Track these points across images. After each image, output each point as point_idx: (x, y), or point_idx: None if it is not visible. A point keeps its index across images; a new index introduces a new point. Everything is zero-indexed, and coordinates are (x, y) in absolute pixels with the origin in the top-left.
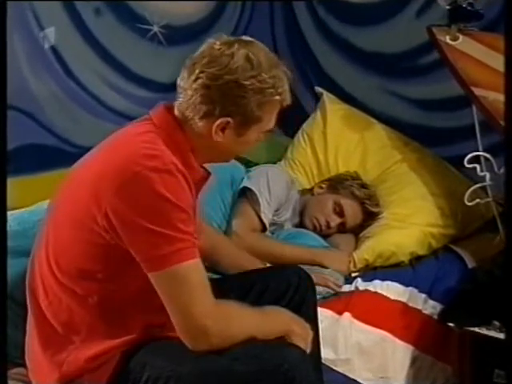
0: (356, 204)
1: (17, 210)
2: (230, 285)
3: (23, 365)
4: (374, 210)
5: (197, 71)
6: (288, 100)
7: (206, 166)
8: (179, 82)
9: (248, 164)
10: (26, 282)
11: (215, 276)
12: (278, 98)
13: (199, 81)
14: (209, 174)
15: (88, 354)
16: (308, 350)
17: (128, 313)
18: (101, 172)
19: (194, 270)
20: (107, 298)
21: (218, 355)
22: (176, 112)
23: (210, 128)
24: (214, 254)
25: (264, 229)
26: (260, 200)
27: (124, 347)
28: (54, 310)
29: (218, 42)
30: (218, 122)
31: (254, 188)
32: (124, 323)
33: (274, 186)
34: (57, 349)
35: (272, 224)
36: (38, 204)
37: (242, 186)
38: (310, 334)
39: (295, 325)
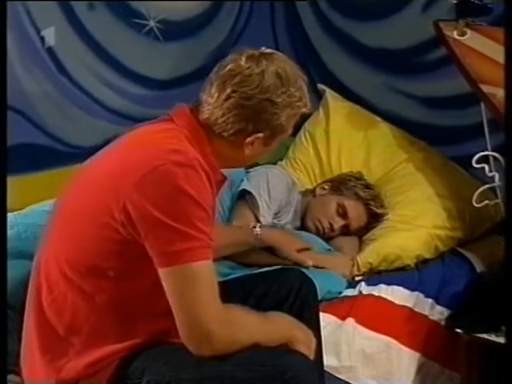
0: (360, 205)
1: (9, 213)
2: (231, 288)
3: (16, 372)
4: (379, 211)
5: (228, 90)
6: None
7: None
8: (205, 97)
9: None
10: (30, 280)
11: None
12: (304, 110)
13: (231, 100)
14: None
15: (87, 360)
16: (311, 358)
17: (133, 316)
18: (120, 167)
19: (205, 271)
20: (115, 298)
21: (220, 361)
22: (202, 120)
23: (238, 142)
24: None
25: None
26: (259, 203)
27: (124, 353)
28: (57, 308)
29: (243, 58)
30: (251, 138)
31: (253, 191)
32: (128, 327)
33: (274, 189)
34: (56, 353)
35: (272, 227)
36: (31, 207)
37: (241, 188)
38: (314, 341)
39: (299, 332)
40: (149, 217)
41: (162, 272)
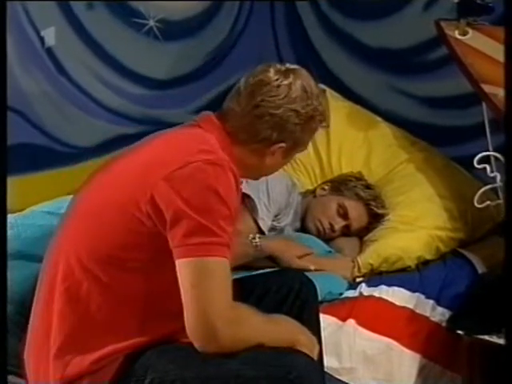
0: (361, 206)
1: (8, 215)
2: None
3: (16, 373)
4: (380, 211)
5: (258, 99)
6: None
7: None
8: (232, 105)
9: None
10: (39, 275)
11: None
12: (324, 124)
13: (260, 109)
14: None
15: (93, 357)
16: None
17: (145, 314)
18: (150, 162)
19: (220, 268)
20: (130, 292)
21: (225, 359)
22: (228, 127)
23: (261, 151)
24: None
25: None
26: (258, 206)
27: (129, 350)
28: (69, 296)
29: (272, 70)
30: (274, 147)
31: (252, 194)
32: (138, 324)
33: (274, 191)
34: (63, 347)
35: (272, 229)
36: (31, 208)
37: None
38: (317, 347)
39: (303, 336)
40: (175, 208)
41: (178, 263)
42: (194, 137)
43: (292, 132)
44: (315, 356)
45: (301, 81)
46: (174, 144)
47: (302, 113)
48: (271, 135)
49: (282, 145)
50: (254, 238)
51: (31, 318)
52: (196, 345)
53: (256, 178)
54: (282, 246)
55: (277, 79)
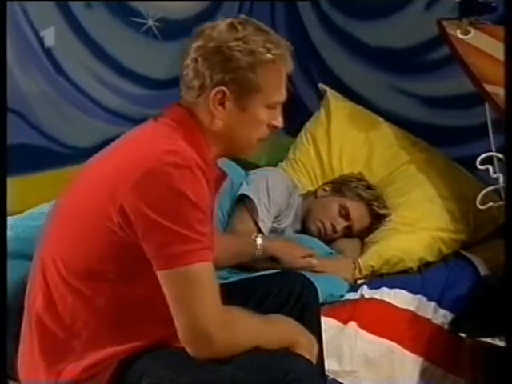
0: (362, 206)
1: (8, 217)
2: (231, 291)
3: (11, 377)
4: (382, 211)
5: (186, 53)
6: (290, 65)
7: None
8: (180, 75)
9: (247, 166)
10: (28, 283)
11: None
12: (270, 56)
13: (187, 58)
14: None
15: (86, 363)
16: (314, 362)
17: (134, 320)
18: (117, 169)
19: (204, 273)
20: (115, 302)
21: (220, 364)
22: (185, 105)
23: (209, 108)
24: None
25: None
26: (258, 208)
27: (123, 355)
28: (56, 311)
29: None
30: (213, 92)
31: (252, 195)
32: (129, 330)
33: (274, 192)
34: (56, 357)
35: (272, 231)
36: (30, 210)
37: (240, 192)
38: (316, 347)
39: (301, 336)
40: (146, 219)
41: (160, 275)
42: (159, 135)
43: (226, 71)
44: (314, 355)
45: (231, 19)
46: (140, 146)
47: (229, 46)
48: (204, 80)
49: (222, 88)
50: (257, 238)
51: (23, 325)
52: (190, 352)
53: (240, 151)
54: (284, 247)
55: (206, 26)
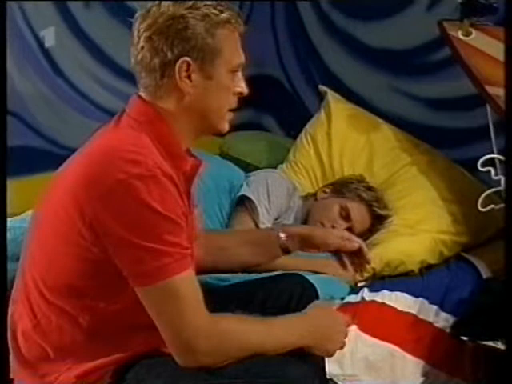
0: (363, 207)
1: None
2: (230, 294)
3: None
4: (383, 212)
5: (136, 38)
6: (241, 25)
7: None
8: (133, 65)
9: (247, 167)
10: (10, 301)
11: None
12: (224, 16)
13: (140, 40)
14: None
15: (79, 372)
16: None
17: (121, 331)
18: (82, 180)
19: (182, 285)
20: (100, 316)
21: (215, 373)
22: (144, 95)
23: (176, 85)
24: (223, 255)
25: None
26: (259, 209)
27: (117, 364)
28: (42, 331)
29: None
30: (177, 65)
31: (252, 197)
32: (119, 341)
33: (274, 194)
34: (48, 370)
35: None
36: (28, 212)
37: (240, 193)
38: (333, 343)
39: (310, 339)
40: (114, 235)
41: (137, 291)
42: (122, 140)
43: (184, 40)
44: (332, 351)
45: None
46: (104, 156)
47: (182, 14)
48: (165, 56)
49: (186, 59)
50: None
51: (9, 341)
52: (178, 362)
53: (214, 128)
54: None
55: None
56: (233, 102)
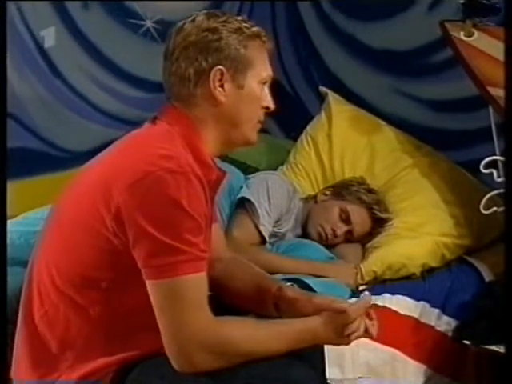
0: (364, 210)
1: None
2: None
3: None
4: (383, 215)
5: (171, 50)
6: (270, 42)
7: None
8: (165, 78)
9: (247, 169)
10: (22, 292)
11: None
12: (255, 30)
13: (175, 52)
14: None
15: (80, 373)
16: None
17: (129, 328)
18: (112, 174)
19: (191, 286)
20: (109, 310)
21: (218, 375)
22: (177, 104)
23: (209, 93)
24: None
25: (263, 242)
26: (259, 211)
27: (119, 365)
28: (49, 321)
29: None
30: (212, 73)
31: (252, 199)
32: (123, 339)
33: (275, 196)
34: (48, 369)
35: (272, 235)
36: (25, 214)
37: (240, 195)
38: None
39: (321, 333)
40: (137, 226)
41: (147, 284)
42: (156, 140)
43: (218, 50)
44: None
45: (203, 12)
46: (135, 150)
47: (215, 27)
48: (200, 65)
49: (220, 67)
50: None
51: (16, 335)
52: (174, 365)
53: (242, 139)
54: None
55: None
56: (261, 114)
